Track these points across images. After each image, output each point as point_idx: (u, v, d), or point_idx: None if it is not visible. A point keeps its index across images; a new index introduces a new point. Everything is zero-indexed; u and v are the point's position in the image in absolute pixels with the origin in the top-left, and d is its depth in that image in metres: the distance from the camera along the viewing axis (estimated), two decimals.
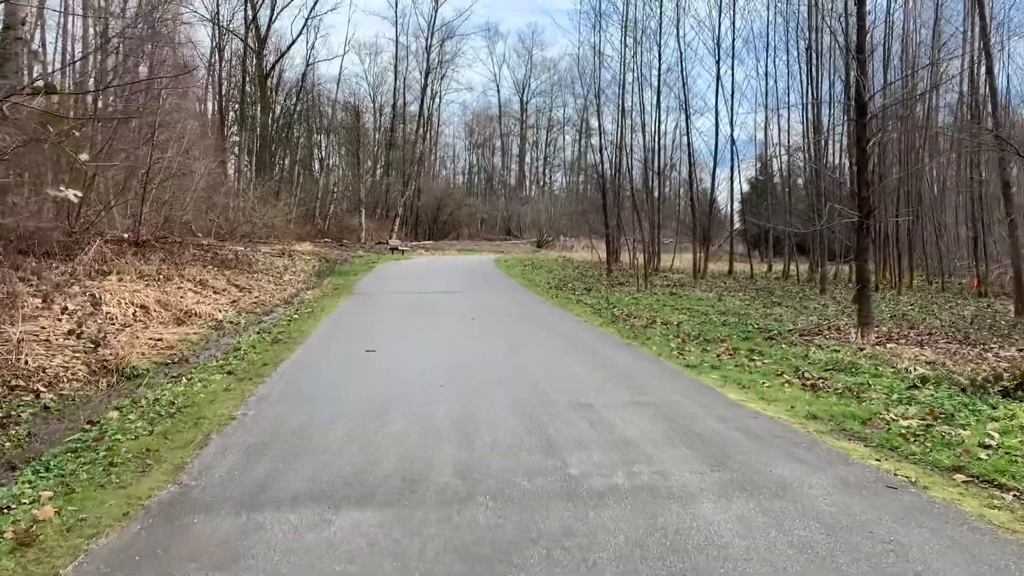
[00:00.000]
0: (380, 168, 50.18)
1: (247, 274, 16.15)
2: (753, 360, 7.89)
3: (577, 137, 64.54)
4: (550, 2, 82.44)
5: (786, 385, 6.50)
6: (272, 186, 37.24)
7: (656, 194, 19.28)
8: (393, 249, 32.60)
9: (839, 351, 8.55)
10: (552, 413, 5.19)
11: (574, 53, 53.97)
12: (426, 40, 47.59)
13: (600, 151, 19.64)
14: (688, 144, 20.25)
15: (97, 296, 9.95)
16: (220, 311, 11.54)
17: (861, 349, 8.71)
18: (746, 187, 33.32)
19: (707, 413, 5.28)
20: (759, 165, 32.20)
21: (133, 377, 7.00)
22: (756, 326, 10.91)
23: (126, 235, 16.74)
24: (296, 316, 11.32)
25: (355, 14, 68.70)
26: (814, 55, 20.20)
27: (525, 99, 61.40)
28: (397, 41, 47.77)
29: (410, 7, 79.70)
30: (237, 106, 42.18)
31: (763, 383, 6.54)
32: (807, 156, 20.10)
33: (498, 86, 63.03)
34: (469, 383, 6.31)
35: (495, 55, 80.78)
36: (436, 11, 47.55)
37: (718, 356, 8.12)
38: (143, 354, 8.01)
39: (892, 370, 7.24)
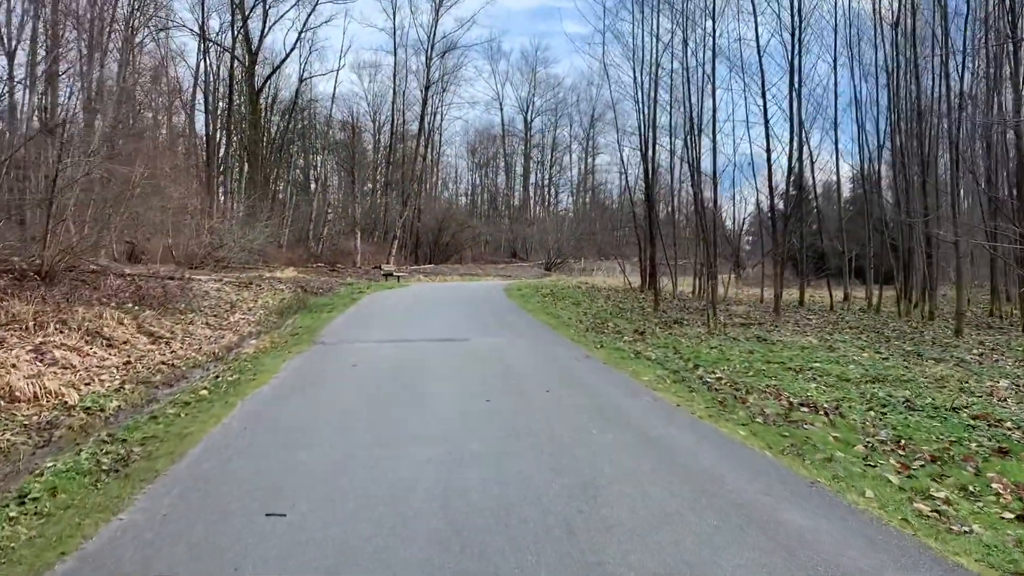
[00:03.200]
0: (378, 189, 46.32)
1: (177, 315, 11.93)
2: None
3: (583, 155, 60.98)
4: (553, 24, 79.43)
5: None
6: (258, 207, 33.43)
7: (714, 205, 14.97)
8: (387, 275, 28.34)
9: None
10: None
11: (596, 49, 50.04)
12: (426, 52, 44.05)
13: (642, 148, 15.39)
14: (767, 137, 15.91)
15: None
16: (87, 383, 7.30)
17: None
18: (775, 200, 29.00)
19: None
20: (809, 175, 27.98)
21: None
22: (958, 412, 6.59)
23: (33, 263, 12.65)
24: (205, 391, 7.06)
25: (351, 26, 65.45)
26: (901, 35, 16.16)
27: (529, 118, 57.88)
28: (396, 54, 44.34)
29: (409, 19, 76.57)
30: (225, 122, 38.52)
31: None
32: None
33: (501, 105, 58.94)
34: None
35: (498, 73, 77.40)
36: (436, 22, 44.19)
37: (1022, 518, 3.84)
38: None
39: None
